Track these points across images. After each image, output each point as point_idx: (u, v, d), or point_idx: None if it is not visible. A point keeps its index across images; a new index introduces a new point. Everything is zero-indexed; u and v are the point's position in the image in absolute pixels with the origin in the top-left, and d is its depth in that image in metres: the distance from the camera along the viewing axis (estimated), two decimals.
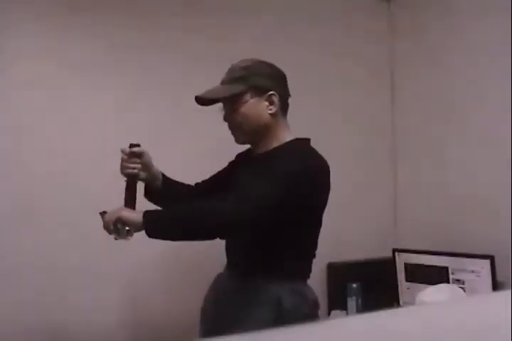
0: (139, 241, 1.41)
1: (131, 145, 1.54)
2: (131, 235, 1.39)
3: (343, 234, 2.52)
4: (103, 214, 1.43)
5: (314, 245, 1.57)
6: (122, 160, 1.53)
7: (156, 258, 2.11)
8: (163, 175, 1.63)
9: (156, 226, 1.37)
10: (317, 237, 1.56)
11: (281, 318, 1.42)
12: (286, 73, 1.57)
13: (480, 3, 2.34)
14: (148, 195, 1.61)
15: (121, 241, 1.42)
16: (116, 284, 2.07)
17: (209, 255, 1.86)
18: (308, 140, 1.58)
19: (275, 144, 1.54)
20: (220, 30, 2.27)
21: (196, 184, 1.73)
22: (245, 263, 1.56)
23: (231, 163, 1.74)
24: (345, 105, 2.59)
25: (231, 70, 1.55)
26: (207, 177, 1.75)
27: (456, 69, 2.44)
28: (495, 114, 2.27)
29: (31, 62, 1.96)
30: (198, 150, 2.17)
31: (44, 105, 1.97)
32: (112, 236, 1.41)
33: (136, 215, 1.37)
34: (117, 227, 1.37)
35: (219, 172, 1.73)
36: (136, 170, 1.53)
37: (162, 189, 1.61)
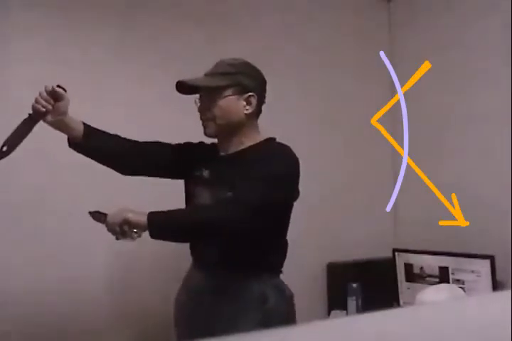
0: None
1: (57, 87, 1.45)
2: (140, 236, 1.37)
3: (343, 234, 2.52)
4: (94, 214, 1.39)
5: (286, 241, 1.59)
6: (39, 94, 1.44)
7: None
8: (87, 127, 1.53)
9: (159, 229, 1.37)
10: (286, 234, 1.59)
11: (266, 314, 1.45)
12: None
13: (480, 3, 2.35)
14: (70, 144, 1.54)
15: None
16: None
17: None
18: (275, 139, 1.60)
19: (248, 143, 1.56)
20: (218, 30, 2.27)
21: (155, 142, 1.66)
22: (223, 261, 1.54)
23: (190, 146, 1.69)
24: (345, 104, 2.59)
25: (218, 65, 1.56)
26: None
27: (455, 68, 2.44)
28: (495, 114, 2.27)
29: (31, 62, 1.96)
30: None
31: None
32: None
33: (142, 217, 1.35)
34: (124, 229, 1.35)
35: (177, 145, 1.68)
36: (44, 109, 1.43)
37: (84, 140, 1.52)
